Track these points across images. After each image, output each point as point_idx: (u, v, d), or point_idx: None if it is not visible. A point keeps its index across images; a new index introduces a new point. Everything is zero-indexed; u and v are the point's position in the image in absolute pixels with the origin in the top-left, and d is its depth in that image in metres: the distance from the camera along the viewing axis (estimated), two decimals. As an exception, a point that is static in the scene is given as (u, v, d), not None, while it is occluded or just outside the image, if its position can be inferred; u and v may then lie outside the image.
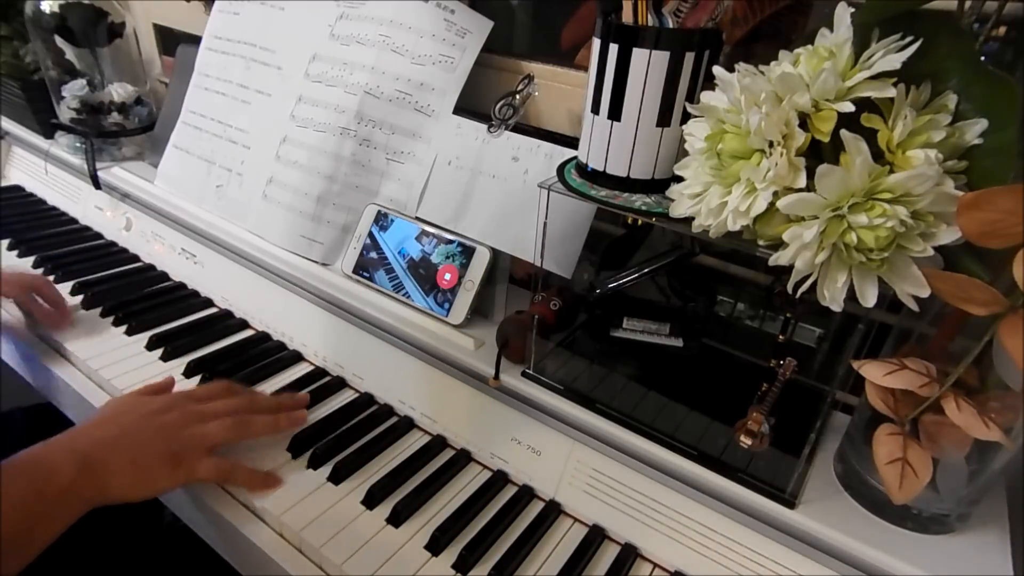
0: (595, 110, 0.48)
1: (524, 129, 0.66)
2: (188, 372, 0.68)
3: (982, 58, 0.39)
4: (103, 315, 0.76)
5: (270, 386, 0.68)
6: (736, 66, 0.41)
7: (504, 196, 0.66)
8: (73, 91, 0.95)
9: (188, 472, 0.53)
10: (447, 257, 0.67)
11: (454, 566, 0.50)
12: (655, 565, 0.53)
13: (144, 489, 0.51)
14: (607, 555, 0.53)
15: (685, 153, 0.45)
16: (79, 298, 0.78)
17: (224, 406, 0.58)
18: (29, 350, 0.71)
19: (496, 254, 0.66)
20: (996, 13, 0.41)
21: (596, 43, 0.47)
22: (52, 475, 0.46)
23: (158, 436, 0.53)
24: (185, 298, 0.81)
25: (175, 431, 0.53)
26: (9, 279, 0.73)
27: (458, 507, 0.55)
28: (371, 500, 0.55)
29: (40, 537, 0.45)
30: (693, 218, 0.43)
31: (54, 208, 1.01)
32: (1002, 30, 0.45)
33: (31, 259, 0.86)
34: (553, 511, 0.56)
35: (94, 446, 0.50)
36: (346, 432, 0.62)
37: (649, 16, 0.44)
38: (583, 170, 0.52)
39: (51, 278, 0.81)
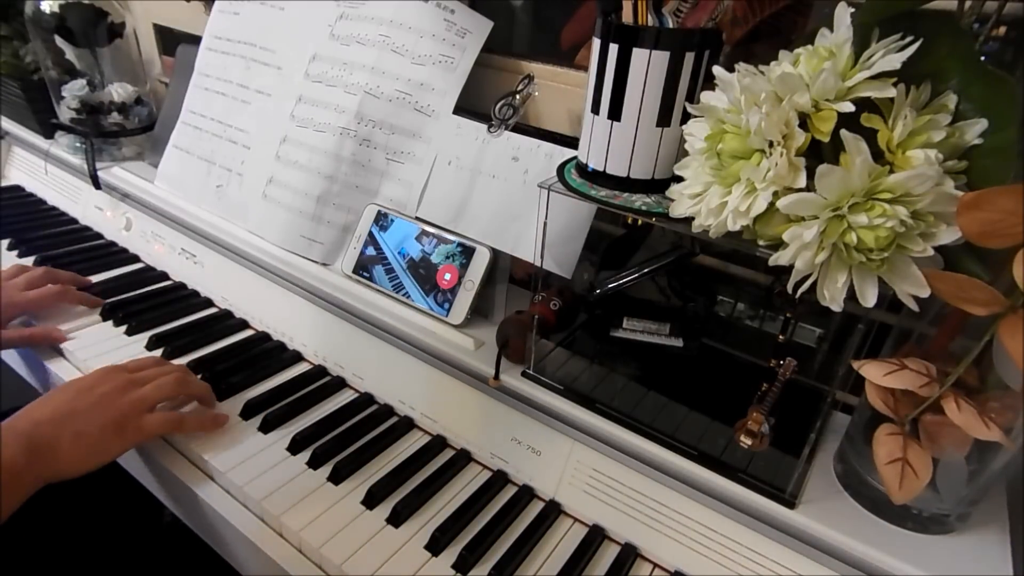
0: (595, 110, 0.48)
1: (524, 129, 0.66)
2: (188, 372, 0.68)
3: (982, 58, 0.39)
4: (103, 315, 0.76)
5: (270, 386, 0.67)
6: (736, 66, 0.41)
7: (504, 196, 0.66)
8: (73, 91, 0.95)
9: (136, 432, 0.55)
10: (447, 257, 0.67)
11: (454, 566, 0.50)
12: (655, 565, 0.53)
13: (96, 458, 0.53)
14: (607, 555, 0.53)
15: (685, 153, 0.45)
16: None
17: (158, 371, 0.60)
18: (29, 350, 0.71)
19: (496, 254, 0.66)
20: (996, 13, 0.41)
21: (596, 43, 0.47)
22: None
23: (97, 407, 0.54)
24: (185, 298, 0.81)
25: (113, 399, 0.55)
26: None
27: (458, 507, 0.55)
28: (371, 500, 0.55)
29: None
30: (693, 218, 0.43)
31: (54, 208, 1.01)
32: (1002, 30, 0.45)
33: (31, 259, 0.85)
34: (553, 511, 0.56)
35: (36, 426, 0.51)
36: (346, 432, 0.62)
37: (649, 16, 0.44)
38: (583, 170, 0.52)
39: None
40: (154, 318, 0.75)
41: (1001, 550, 0.47)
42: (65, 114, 0.97)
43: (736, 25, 0.56)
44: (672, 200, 0.46)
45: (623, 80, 0.46)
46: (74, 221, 0.98)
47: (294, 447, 0.59)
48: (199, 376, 0.67)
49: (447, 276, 0.67)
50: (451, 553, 0.51)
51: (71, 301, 0.75)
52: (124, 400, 0.56)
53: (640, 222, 0.50)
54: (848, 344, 0.45)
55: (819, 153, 0.38)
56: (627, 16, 0.45)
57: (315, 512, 0.53)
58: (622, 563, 0.52)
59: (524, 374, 0.60)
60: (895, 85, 0.36)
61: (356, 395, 0.68)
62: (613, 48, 0.45)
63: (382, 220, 0.72)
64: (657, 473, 0.53)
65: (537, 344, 0.60)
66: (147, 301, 0.79)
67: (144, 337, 0.72)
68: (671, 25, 0.45)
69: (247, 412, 0.63)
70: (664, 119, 0.46)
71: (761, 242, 0.41)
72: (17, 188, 1.07)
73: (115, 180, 0.93)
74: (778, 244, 0.39)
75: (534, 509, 0.57)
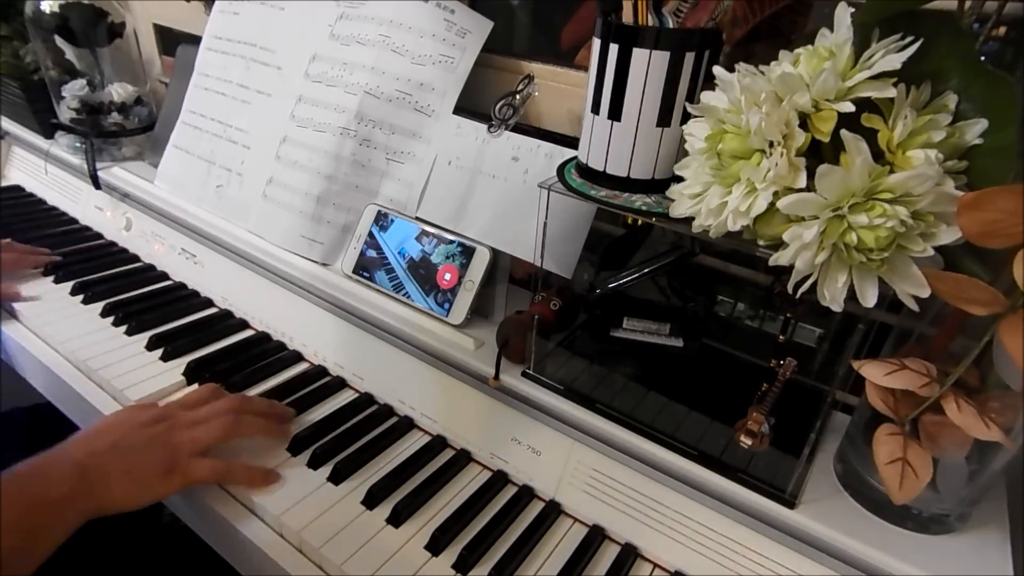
0: (595, 110, 0.48)
1: (524, 129, 0.66)
2: (188, 372, 0.68)
3: (982, 58, 0.39)
4: (103, 315, 0.76)
5: (270, 386, 0.67)
6: (736, 66, 0.41)
7: (504, 196, 0.66)
8: (73, 91, 0.95)
9: (184, 477, 0.53)
10: (447, 257, 0.67)
11: (454, 566, 0.50)
12: (655, 565, 0.53)
13: (141, 498, 0.51)
14: (607, 555, 0.53)
15: (685, 153, 0.45)
16: (79, 297, 0.78)
17: (214, 410, 0.58)
18: (30, 350, 0.71)
19: (496, 254, 0.66)
20: (996, 13, 0.41)
21: (596, 43, 0.47)
22: (50, 487, 0.47)
23: (151, 445, 0.53)
24: (185, 298, 0.81)
25: (166, 438, 0.54)
26: None
27: (458, 507, 0.55)
28: (371, 500, 0.55)
29: (39, 549, 0.46)
30: (693, 218, 0.43)
31: (54, 208, 1.01)
32: (1002, 30, 0.45)
33: (31, 259, 0.86)
34: (553, 511, 0.56)
35: (90, 456, 0.50)
36: (346, 432, 0.62)
37: (649, 16, 0.44)
38: (583, 170, 0.52)
39: (51, 278, 0.81)
40: (154, 318, 0.75)
41: (1001, 550, 0.47)
42: (65, 114, 0.97)
43: (736, 25, 0.56)
44: (672, 200, 0.46)
45: (623, 80, 0.46)
46: (74, 221, 0.98)
47: (294, 447, 0.59)
48: (200, 377, 0.67)
49: (447, 276, 0.67)
50: (451, 553, 0.51)
51: (27, 265, 0.81)
52: (176, 440, 0.54)
53: (640, 222, 0.50)
54: (848, 344, 0.45)
55: (819, 153, 0.38)
56: (627, 16, 0.45)
57: (315, 512, 0.53)
58: (622, 563, 0.52)
59: (524, 374, 0.60)
60: (895, 85, 0.36)
61: (356, 395, 0.68)
62: (613, 48, 0.45)
63: (382, 220, 0.72)
64: (657, 473, 0.53)
65: (537, 344, 0.60)
66: (147, 301, 0.79)
67: (144, 337, 0.72)
68: (671, 25, 0.45)
69: (247, 412, 0.63)
70: (664, 119, 0.46)
71: (761, 242, 0.41)
72: (17, 188, 1.07)
73: (115, 180, 0.93)
74: (778, 244, 0.39)
75: (534, 509, 0.57)
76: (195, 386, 0.67)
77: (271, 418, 0.61)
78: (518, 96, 0.68)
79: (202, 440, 0.55)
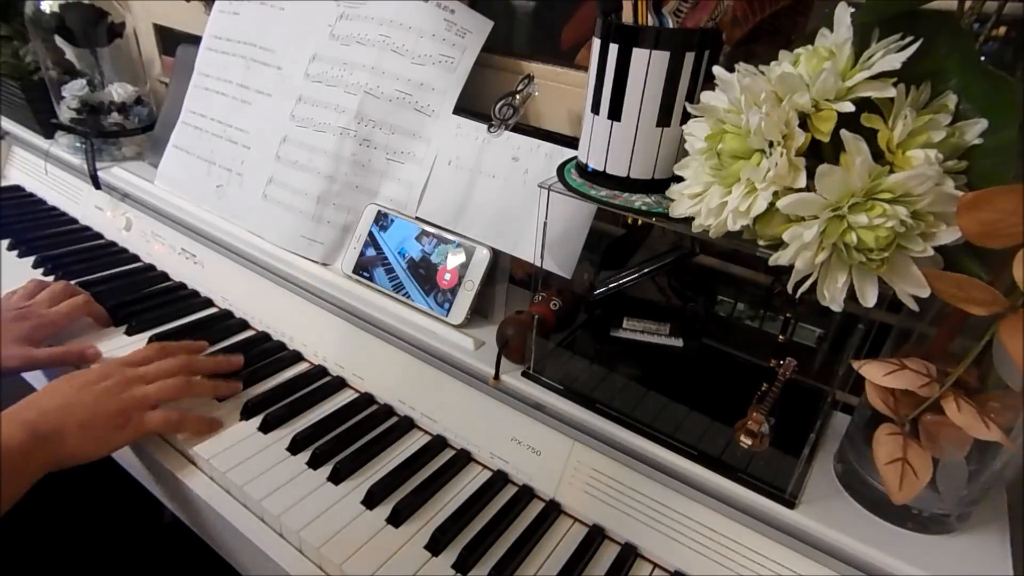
0: (595, 110, 0.48)
1: (524, 129, 0.67)
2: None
3: (982, 58, 0.39)
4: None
5: (270, 386, 0.67)
6: (736, 66, 0.41)
7: (504, 196, 0.66)
8: (73, 91, 0.95)
9: (137, 427, 0.56)
10: (447, 257, 0.67)
11: (454, 566, 0.50)
12: (655, 565, 0.53)
13: (97, 449, 0.54)
14: (607, 555, 0.53)
15: (685, 153, 0.45)
16: (79, 298, 0.78)
17: (161, 368, 0.61)
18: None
19: (496, 254, 0.66)
20: (996, 13, 0.41)
21: (596, 43, 0.47)
22: (6, 446, 0.49)
23: (101, 399, 0.56)
24: (185, 298, 0.81)
25: (117, 393, 0.57)
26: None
27: (458, 507, 0.55)
28: (371, 500, 0.55)
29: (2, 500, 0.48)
30: (693, 218, 0.43)
31: (54, 208, 1.01)
32: (1002, 30, 0.45)
33: (31, 259, 0.86)
34: (553, 511, 0.56)
35: (41, 416, 0.53)
36: (346, 432, 0.62)
37: (649, 16, 0.44)
38: (583, 170, 0.52)
39: (51, 278, 0.81)
40: (154, 318, 0.75)
41: (1001, 550, 0.47)
42: (65, 114, 0.97)
43: (736, 25, 0.56)
44: (672, 200, 0.46)
45: (623, 80, 0.46)
46: (74, 221, 0.98)
47: (294, 447, 0.59)
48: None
49: (447, 276, 0.67)
50: (451, 553, 0.51)
51: (95, 313, 0.72)
52: (126, 395, 0.57)
53: (640, 222, 0.50)
54: (848, 344, 0.45)
55: (819, 153, 0.38)
56: (627, 16, 0.45)
57: (315, 512, 0.53)
58: (622, 563, 0.52)
59: (524, 374, 0.60)
60: (895, 85, 0.36)
61: (356, 395, 0.68)
62: (613, 48, 0.45)
63: (382, 220, 0.72)
64: (657, 473, 0.53)
65: (537, 344, 0.60)
66: (147, 301, 0.79)
67: (144, 337, 0.72)
68: (671, 25, 0.45)
69: (247, 412, 0.63)
70: (664, 119, 0.46)
71: (761, 242, 0.41)
72: (17, 188, 1.07)
73: (115, 180, 0.93)
74: (778, 244, 0.39)
75: (534, 509, 0.57)
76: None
77: (220, 381, 0.64)
78: (518, 96, 0.68)
79: (153, 398, 0.58)
